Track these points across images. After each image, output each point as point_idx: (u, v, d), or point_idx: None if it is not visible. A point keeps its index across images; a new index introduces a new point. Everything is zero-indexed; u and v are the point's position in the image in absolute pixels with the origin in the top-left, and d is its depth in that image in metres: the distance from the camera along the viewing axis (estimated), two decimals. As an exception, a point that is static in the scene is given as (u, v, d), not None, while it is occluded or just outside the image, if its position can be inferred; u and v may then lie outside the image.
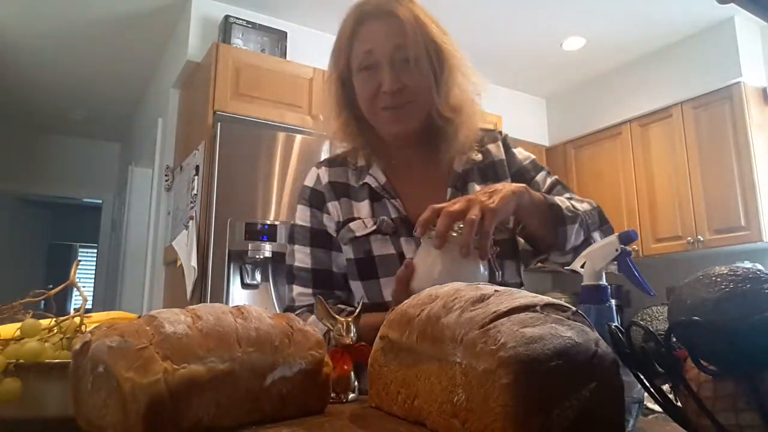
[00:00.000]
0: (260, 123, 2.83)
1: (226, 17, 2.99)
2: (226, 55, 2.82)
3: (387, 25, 0.98)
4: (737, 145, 3.24)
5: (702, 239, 3.34)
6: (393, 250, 1.00)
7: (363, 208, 1.05)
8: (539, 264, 1.05)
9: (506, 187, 0.85)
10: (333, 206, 1.07)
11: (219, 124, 2.65)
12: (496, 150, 1.09)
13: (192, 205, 2.80)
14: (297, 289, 1.06)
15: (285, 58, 3.05)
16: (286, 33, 3.13)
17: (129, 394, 0.47)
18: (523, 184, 0.89)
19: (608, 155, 3.95)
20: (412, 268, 0.81)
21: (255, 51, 2.98)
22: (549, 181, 1.08)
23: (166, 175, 3.38)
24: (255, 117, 2.82)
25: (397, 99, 0.98)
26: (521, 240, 1.02)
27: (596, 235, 0.97)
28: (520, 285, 1.02)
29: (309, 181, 1.12)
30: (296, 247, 1.08)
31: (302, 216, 1.09)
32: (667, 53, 3.67)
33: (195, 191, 2.78)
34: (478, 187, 1.02)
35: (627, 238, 0.66)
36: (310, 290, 1.05)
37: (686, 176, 3.46)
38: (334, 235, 1.06)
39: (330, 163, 1.13)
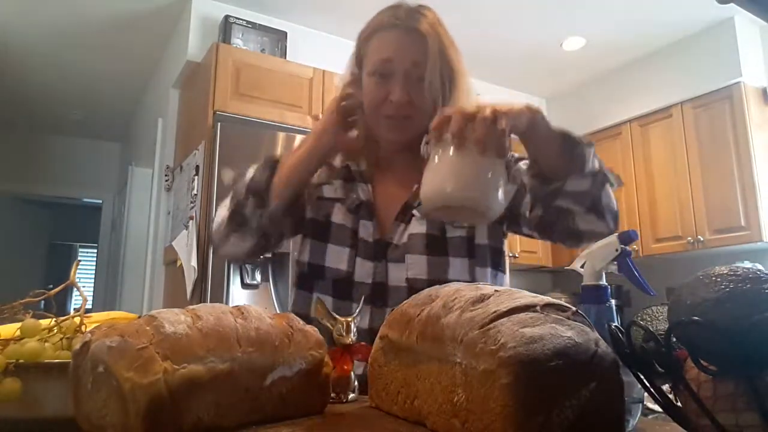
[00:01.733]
0: (260, 123, 2.83)
1: (226, 17, 2.99)
2: (226, 55, 2.82)
3: (410, 39, 1.00)
4: (737, 145, 3.24)
5: (702, 239, 3.34)
6: (349, 225, 1.04)
7: (336, 184, 1.09)
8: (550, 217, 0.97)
9: (521, 102, 0.83)
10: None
11: (219, 124, 2.65)
12: None
13: (192, 205, 2.80)
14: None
15: (285, 58, 3.04)
16: (286, 33, 3.12)
17: (129, 394, 0.47)
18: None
19: (608, 155, 3.95)
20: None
21: (255, 51, 2.97)
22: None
23: (166, 175, 3.38)
24: (255, 117, 2.82)
25: (401, 110, 1.01)
26: (526, 180, 0.97)
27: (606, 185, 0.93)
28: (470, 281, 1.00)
29: None
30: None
31: None
32: (667, 53, 3.67)
33: (195, 191, 2.77)
34: None
35: (627, 238, 0.66)
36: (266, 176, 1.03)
37: (686, 176, 3.46)
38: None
39: None
